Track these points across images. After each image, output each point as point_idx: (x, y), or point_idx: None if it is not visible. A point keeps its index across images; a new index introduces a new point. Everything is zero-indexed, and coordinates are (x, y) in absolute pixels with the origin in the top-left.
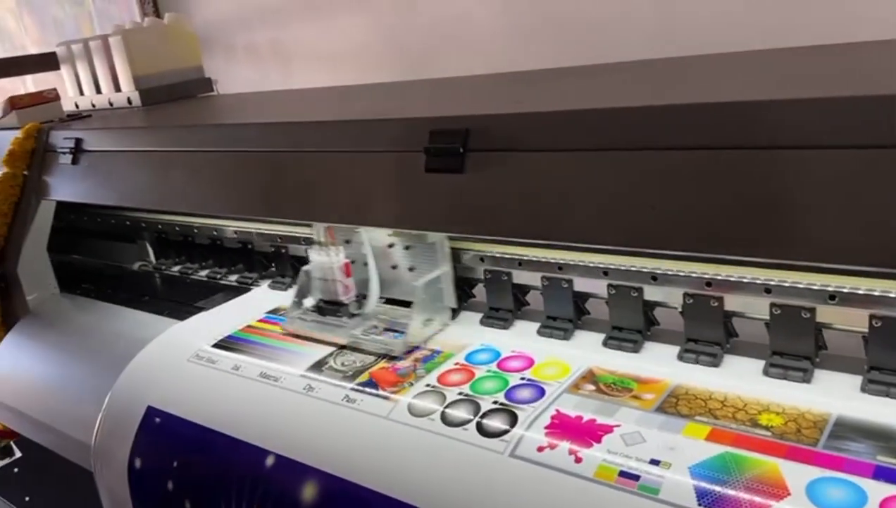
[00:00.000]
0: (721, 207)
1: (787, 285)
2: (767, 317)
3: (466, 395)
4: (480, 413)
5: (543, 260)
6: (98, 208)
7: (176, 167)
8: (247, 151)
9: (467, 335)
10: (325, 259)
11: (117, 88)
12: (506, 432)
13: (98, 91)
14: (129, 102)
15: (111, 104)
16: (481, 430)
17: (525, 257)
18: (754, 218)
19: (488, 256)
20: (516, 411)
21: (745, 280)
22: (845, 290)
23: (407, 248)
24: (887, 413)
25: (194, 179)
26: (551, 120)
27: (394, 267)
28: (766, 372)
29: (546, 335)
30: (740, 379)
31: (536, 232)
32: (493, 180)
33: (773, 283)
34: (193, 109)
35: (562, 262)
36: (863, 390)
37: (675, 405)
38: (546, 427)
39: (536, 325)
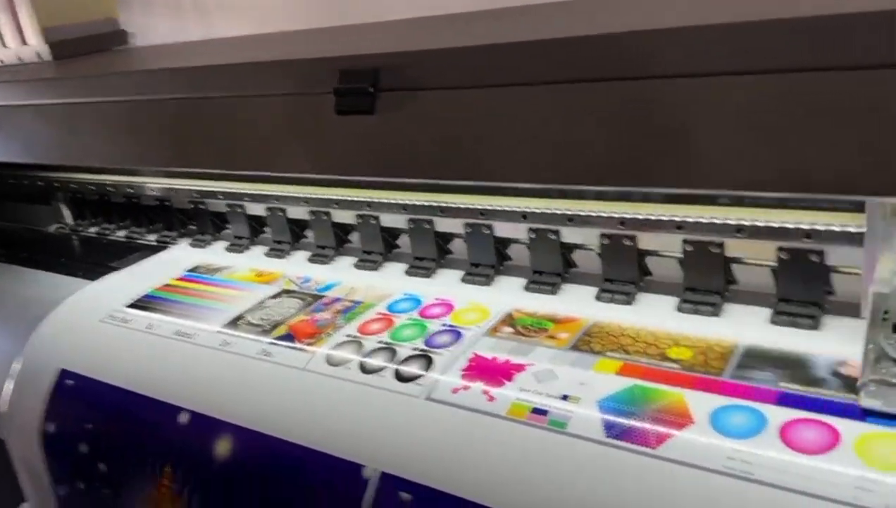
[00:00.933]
0: (626, 138)
1: (695, 220)
2: (681, 254)
3: (385, 343)
4: (398, 360)
5: (464, 206)
6: (9, 169)
7: (83, 120)
8: (152, 100)
9: (391, 285)
10: None
11: (24, 42)
12: (422, 376)
13: (3, 45)
14: (39, 56)
15: (20, 59)
16: (398, 376)
17: (447, 204)
18: (659, 148)
19: (410, 204)
20: (433, 356)
21: (655, 218)
22: (752, 223)
23: None
24: (794, 343)
25: (101, 131)
26: (462, 56)
27: None
28: (678, 308)
29: (469, 282)
30: (654, 316)
31: (451, 172)
32: (406, 120)
33: (682, 219)
34: (106, 62)
35: (483, 208)
36: (772, 321)
37: (588, 342)
38: (462, 370)
39: (461, 273)
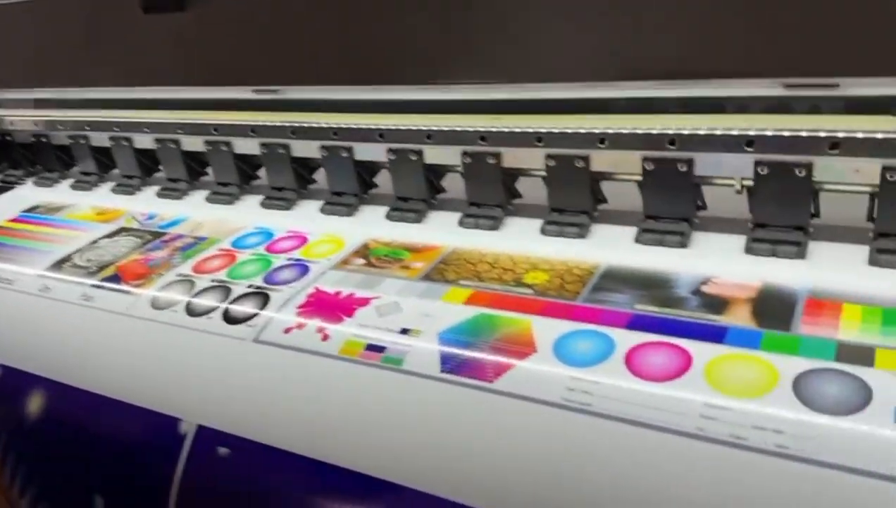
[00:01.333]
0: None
1: (556, 130)
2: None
3: (219, 282)
4: (230, 300)
5: (316, 125)
6: None
7: None
8: None
9: (245, 219)
10: None
11: None
12: (254, 316)
13: None
14: None
15: None
16: (227, 317)
17: (299, 124)
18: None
19: (260, 126)
20: (271, 293)
21: (520, 130)
22: (615, 131)
23: None
24: (657, 262)
25: None
26: None
27: None
28: (542, 230)
29: (329, 213)
30: (517, 240)
31: (278, 76)
32: (225, 16)
33: (543, 131)
34: None
35: (336, 126)
36: (637, 240)
37: (443, 271)
38: (299, 307)
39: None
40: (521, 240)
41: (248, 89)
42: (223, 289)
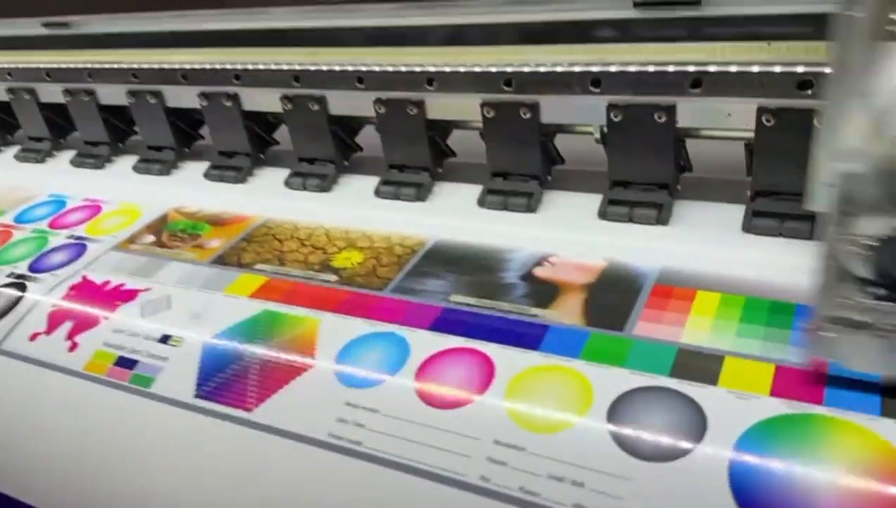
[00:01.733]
0: None
1: (379, 69)
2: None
3: None
4: None
5: (117, 66)
6: None
7: None
8: None
9: (48, 181)
10: None
11: None
12: (3, 315)
13: None
14: None
15: None
16: None
17: (97, 66)
18: None
19: (55, 69)
20: (30, 284)
21: (337, 68)
22: (447, 69)
23: None
24: (497, 232)
25: None
26: None
27: None
28: (376, 192)
29: (142, 172)
30: (348, 206)
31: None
32: None
33: (364, 69)
34: None
35: (137, 67)
36: (480, 204)
37: (240, 253)
38: (53, 305)
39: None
40: (352, 206)
41: (36, 22)
42: None
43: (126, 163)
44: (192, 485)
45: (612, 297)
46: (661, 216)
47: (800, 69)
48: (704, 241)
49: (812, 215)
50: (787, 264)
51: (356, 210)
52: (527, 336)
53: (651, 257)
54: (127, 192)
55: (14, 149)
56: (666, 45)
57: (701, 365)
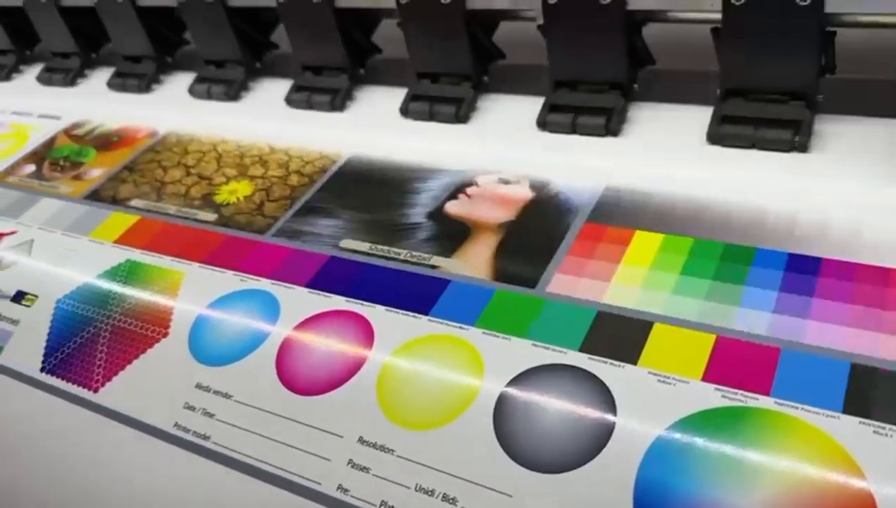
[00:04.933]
0: None
1: None
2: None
3: None
4: None
5: None
6: None
7: None
8: None
9: None
10: None
11: None
12: None
13: None
14: None
15: None
16: None
17: None
18: None
19: None
20: None
21: None
22: None
23: None
24: (418, 148)
25: None
26: None
27: None
28: (287, 100)
29: (45, 83)
30: (256, 118)
31: None
32: None
33: None
34: None
35: None
36: (402, 112)
37: (121, 182)
38: None
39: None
40: (260, 117)
41: None
42: None
43: (35, 73)
44: (35, 469)
45: (532, 241)
46: (612, 125)
47: None
48: (658, 155)
49: (796, 120)
50: (757, 186)
51: (264, 122)
52: (419, 297)
53: (591, 181)
54: (29, 107)
55: None
56: None
57: (621, 335)
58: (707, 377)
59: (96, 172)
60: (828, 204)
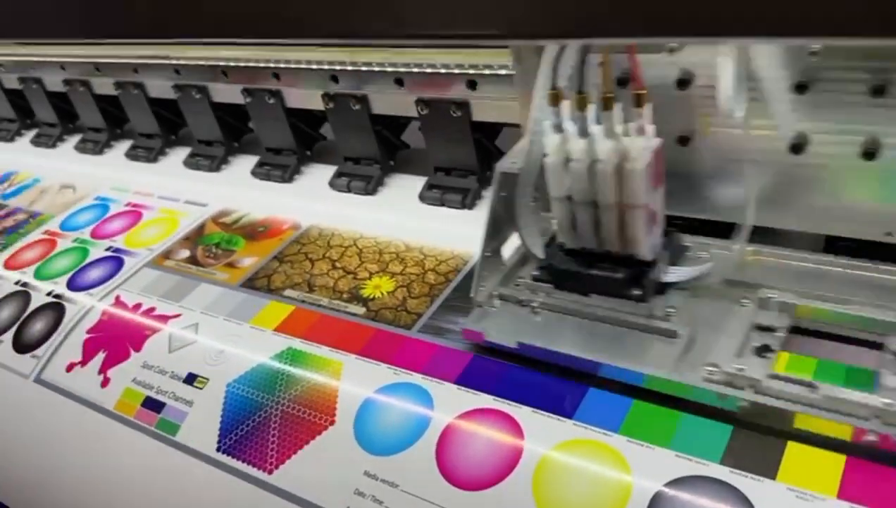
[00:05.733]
0: None
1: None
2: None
3: (23, 285)
4: (26, 314)
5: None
6: None
7: None
8: None
9: (102, 174)
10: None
11: None
12: (44, 340)
13: None
14: None
15: None
16: (17, 342)
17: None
18: None
19: (104, 61)
20: (68, 304)
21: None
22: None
23: None
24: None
25: None
26: None
27: None
28: (421, 197)
29: (192, 167)
30: (392, 212)
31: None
32: None
33: (405, 70)
34: None
35: (182, 63)
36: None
37: (273, 271)
38: (89, 331)
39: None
40: (395, 212)
41: None
42: (23, 297)
43: (178, 156)
44: None
45: None
46: None
47: None
48: None
49: None
50: None
51: (398, 216)
52: (561, 400)
53: None
54: (176, 190)
55: (76, 139)
56: None
57: (758, 450)
58: (841, 495)
59: (248, 260)
60: None
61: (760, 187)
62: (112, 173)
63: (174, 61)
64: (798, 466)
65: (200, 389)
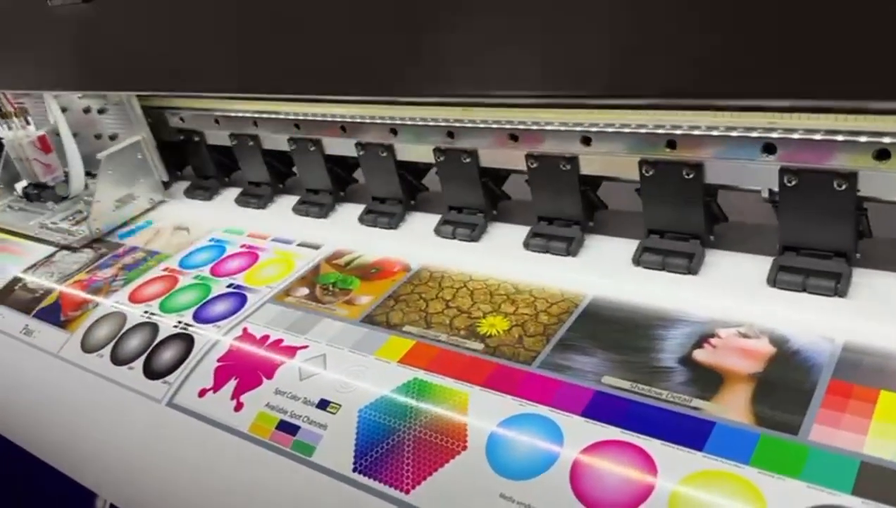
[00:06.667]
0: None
1: (535, 127)
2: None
3: (150, 316)
4: (155, 343)
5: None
6: None
7: None
8: None
9: (209, 221)
10: (10, 134)
11: None
12: (175, 367)
13: None
14: None
15: None
16: (147, 368)
17: (264, 115)
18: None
19: (231, 115)
20: (196, 334)
21: (491, 125)
22: (600, 129)
23: (101, 111)
24: (653, 296)
25: None
26: None
27: (97, 136)
28: (525, 244)
29: (301, 214)
30: (497, 257)
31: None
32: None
33: (521, 127)
34: None
35: (299, 116)
36: (634, 261)
37: (390, 309)
38: (219, 359)
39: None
40: (503, 257)
41: None
42: (151, 327)
43: (285, 203)
44: None
45: (784, 392)
46: (840, 287)
47: None
48: (888, 315)
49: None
50: None
51: (504, 262)
52: (690, 433)
53: (822, 344)
54: (288, 233)
55: (185, 185)
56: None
57: (888, 483)
58: None
59: (365, 298)
60: None
61: None
62: (224, 216)
63: (293, 116)
64: None
65: (333, 414)
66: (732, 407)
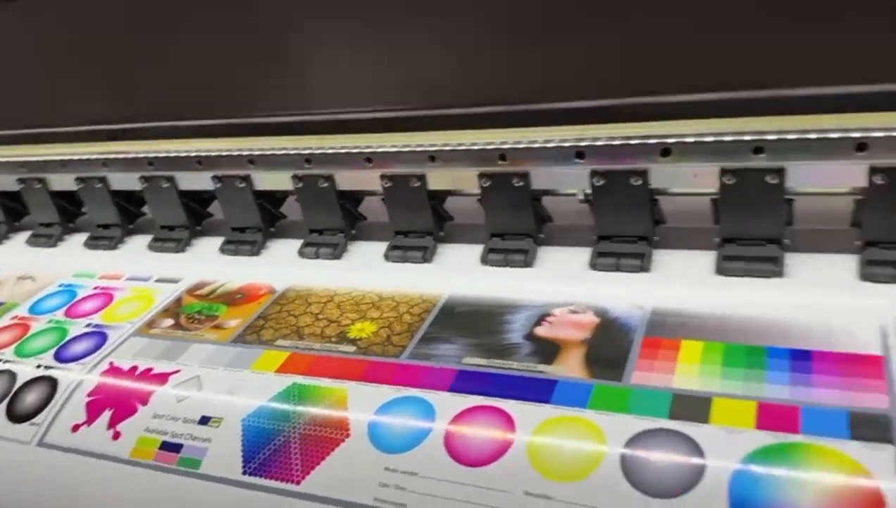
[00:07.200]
0: None
1: (384, 150)
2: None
3: (6, 362)
4: (16, 388)
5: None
6: None
7: None
8: None
9: (57, 268)
10: None
11: None
12: (41, 409)
13: None
14: None
15: None
16: (10, 413)
17: (112, 156)
18: None
19: (71, 160)
20: (59, 375)
21: (345, 151)
22: (448, 148)
23: None
24: (501, 288)
25: None
26: None
27: None
28: (385, 257)
29: (157, 250)
30: (360, 271)
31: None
32: None
33: (372, 150)
34: None
35: (153, 155)
36: (483, 261)
37: (259, 328)
38: (89, 394)
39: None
40: (364, 271)
41: None
42: (8, 375)
43: (137, 243)
44: None
45: (608, 350)
46: (644, 264)
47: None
48: (682, 284)
49: (775, 256)
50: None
51: (368, 273)
52: (538, 391)
53: (634, 312)
54: (144, 271)
55: (25, 234)
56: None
57: (694, 407)
58: (758, 426)
59: (234, 321)
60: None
61: None
62: (72, 262)
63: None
64: (724, 413)
65: (216, 427)
66: (570, 367)
